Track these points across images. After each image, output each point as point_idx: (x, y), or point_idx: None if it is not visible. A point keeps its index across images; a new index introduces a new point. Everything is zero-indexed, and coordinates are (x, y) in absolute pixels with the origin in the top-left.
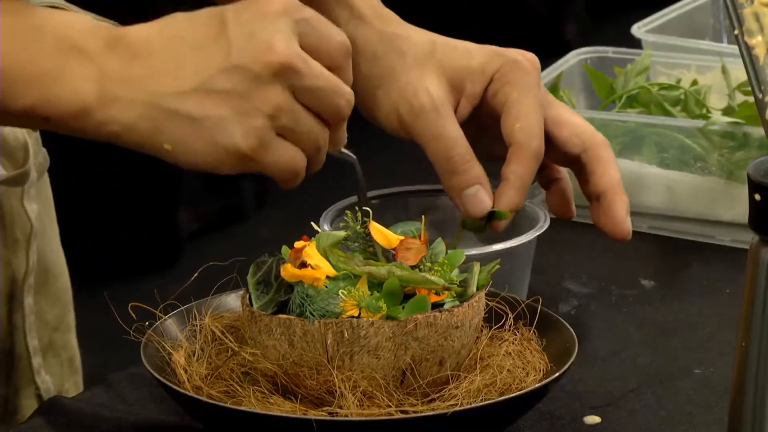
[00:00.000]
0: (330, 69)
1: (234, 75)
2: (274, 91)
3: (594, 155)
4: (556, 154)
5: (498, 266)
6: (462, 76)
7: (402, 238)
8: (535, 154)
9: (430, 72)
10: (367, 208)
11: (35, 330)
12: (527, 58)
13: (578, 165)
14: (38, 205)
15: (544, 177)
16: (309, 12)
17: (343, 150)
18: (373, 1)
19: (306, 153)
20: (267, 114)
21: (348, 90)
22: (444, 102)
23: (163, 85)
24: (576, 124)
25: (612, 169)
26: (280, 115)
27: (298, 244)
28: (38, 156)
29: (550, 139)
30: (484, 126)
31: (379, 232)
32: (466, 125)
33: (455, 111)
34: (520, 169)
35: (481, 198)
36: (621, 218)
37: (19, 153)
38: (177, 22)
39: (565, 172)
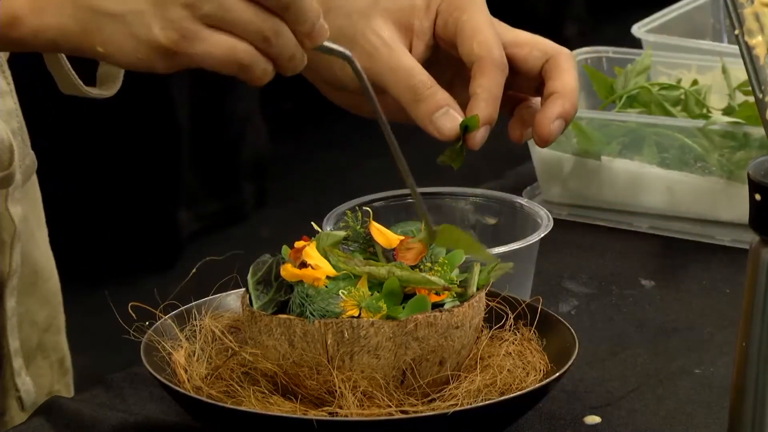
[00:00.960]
0: None
1: None
2: None
3: (554, 63)
4: (520, 76)
5: (503, 268)
6: (407, 15)
7: (402, 238)
8: (498, 63)
9: (375, 18)
10: (374, 107)
11: (17, 332)
12: None
13: (542, 83)
14: (24, 208)
15: (509, 101)
16: None
17: (333, 46)
18: None
19: (252, 44)
20: (183, 3)
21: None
22: (393, 38)
23: None
24: (536, 41)
25: (568, 76)
26: (199, 4)
27: (298, 244)
28: (25, 159)
29: (512, 62)
30: (452, 71)
31: (379, 232)
32: (435, 73)
33: (410, 50)
34: (485, 81)
35: (451, 116)
36: (549, 118)
37: (3, 156)
38: None
39: (536, 103)
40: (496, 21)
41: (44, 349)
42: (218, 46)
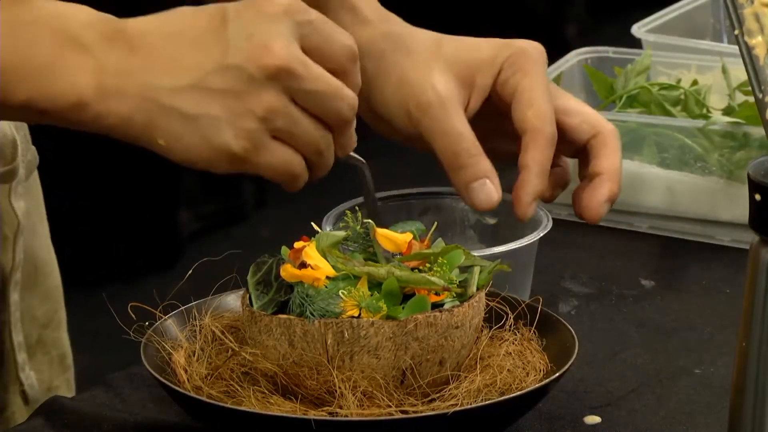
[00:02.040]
0: (334, 73)
1: (229, 75)
2: (267, 94)
3: (602, 140)
4: (565, 143)
5: (500, 267)
6: (471, 69)
7: (410, 240)
8: (550, 138)
9: (437, 68)
10: (373, 216)
11: (21, 326)
12: (534, 47)
13: (585, 152)
14: (26, 203)
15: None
16: (313, 14)
17: (353, 154)
18: (375, 4)
19: (306, 156)
20: (260, 116)
21: (350, 94)
22: (451, 98)
23: (159, 79)
24: (586, 112)
25: (614, 157)
26: (274, 118)
27: (297, 245)
28: (27, 154)
29: (559, 128)
30: (495, 120)
31: (385, 239)
32: (477, 120)
33: (467, 105)
34: (537, 155)
35: (488, 190)
36: (598, 201)
37: (6, 150)
38: (178, 16)
39: (566, 162)
40: (551, 86)
41: (44, 344)
42: (280, 158)
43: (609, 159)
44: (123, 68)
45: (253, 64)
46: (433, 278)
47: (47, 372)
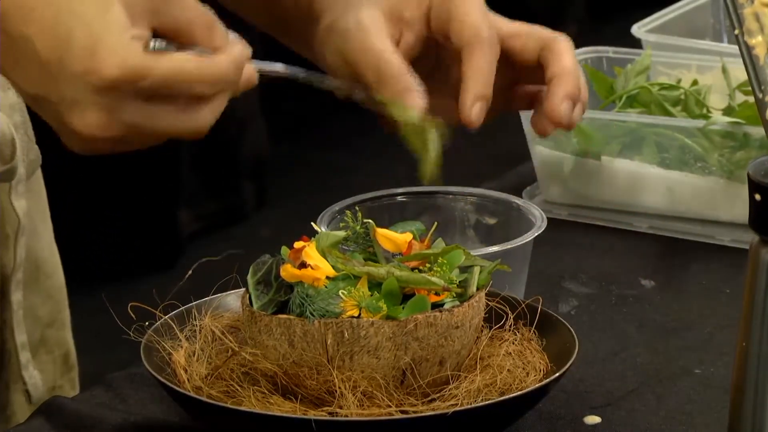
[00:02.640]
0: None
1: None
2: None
3: (549, 49)
4: (526, 70)
5: (499, 267)
6: (398, 6)
7: (410, 240)
8: (486, 41)
9: (365, 8)
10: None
11: (23, 325)
12: None
13: (541, 69)
14: (28, 202)
15: (525, 96)
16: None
17: (263, 69)
18: None
19: (185, 122)
20: (108, 139)
21: (208, 71)
22: (372, 24)
23: (15, 74)
24: (528, 30)
25: (564, 59)
26: (124, 138)
27: (297, 245)
28: (29, 153)
29: (510, 55)
30: (442, 60)
31: (385, 239)
32: (418, 60)
33: (400, 39)
34: (475, 61)
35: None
36: (555, 101)
37: (5, 149)
38: (46, 23)
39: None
40: (493, 14)
41: (47, 343)
42: (154, 138)
43: (559, 62)
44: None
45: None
46: (433, 278)
47: (51, 371)
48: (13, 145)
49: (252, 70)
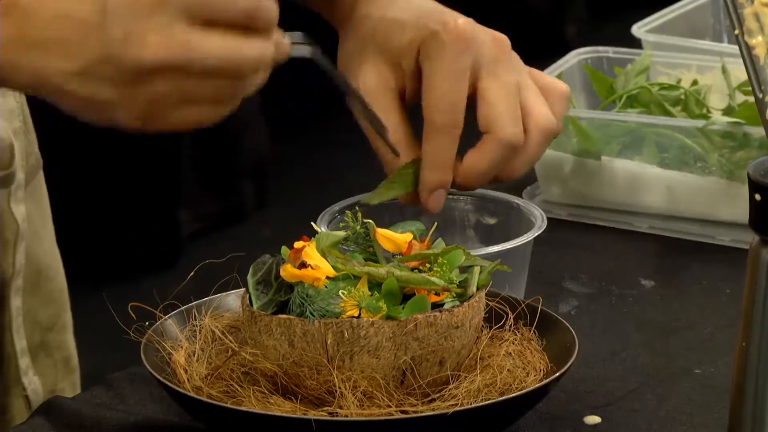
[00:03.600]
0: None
1: (112, 66)
2: (152, 86)
3: (485, 139)
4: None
5: (499, 267)
6: (396, 54)
7: (410, 241)
8: (441, 128)
9: (369, 55)
10: (369, 115)
11: (23, 331)
12: (449, 29)
13: None
14: (28, 207)
15: None
16: None
17: (294, 48)
18: None
19: (217, 105)
20: (149, 100)
21: (252, 53)
22: (376, 89)
23: (47, 60)
24: (494, 106)
25: (481, 161)
26: (164, 100)
27: (297, 245)
28: (30, 158)
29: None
30: None
31: (385, 239)
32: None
33: (404, 88)
34: (428, 146)
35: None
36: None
37: (4, 154)
38: None
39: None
40: (490, 56)
41: (47, 347)
42: (185, 118)
43: (474, 156)
44: (16, 42)
45: (131, 60)
46: (433, 278)
47: (51, 375)
48: (12, 151)
49: (287, 47)
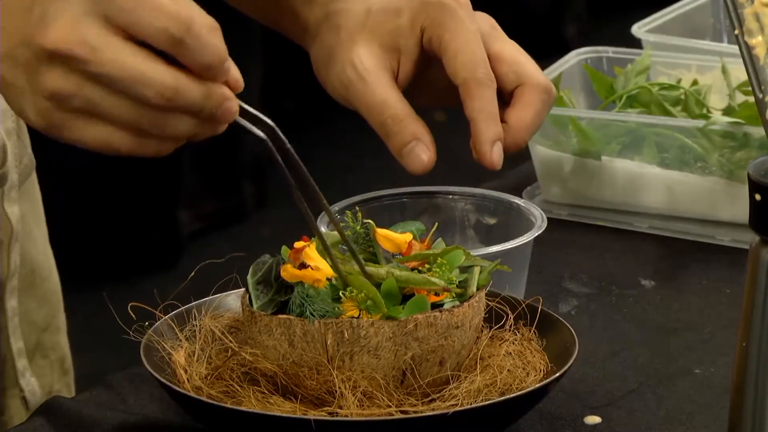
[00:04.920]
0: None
1: (27, 50)
2: (51, 76)
3: (521, 92)
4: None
5: (499, 267)
6: (393, 35)
7: (410, 241)
8: (484, 81)
9: (361, 42)
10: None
11: (20, 332)
12: None
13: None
14: (22, 207)
15: None
16: None
17: (249, 126)
18: None
19: (128, 132)
20: (47, 96)
21: (158, 80)
22: (370, 69)
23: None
24: (518, 61)
25: (525, 110)
26: (65, 99)
27: (297, 245)
28: (23, 158)
29: None
30: (440, 77)
31: (385, 239)
32: (421, 75)
33: (398, 69)
34: (477, 103)
35: (416, 153)
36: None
37: None
38: None
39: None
40: (487, 28)
41: (43, 348)
42: (90, 135)
43: (517, 111)
44: None
45: (36, 42)
46: (433, 279)
47: (48, 376)
48: (4, 151)
49: (233, 106)
